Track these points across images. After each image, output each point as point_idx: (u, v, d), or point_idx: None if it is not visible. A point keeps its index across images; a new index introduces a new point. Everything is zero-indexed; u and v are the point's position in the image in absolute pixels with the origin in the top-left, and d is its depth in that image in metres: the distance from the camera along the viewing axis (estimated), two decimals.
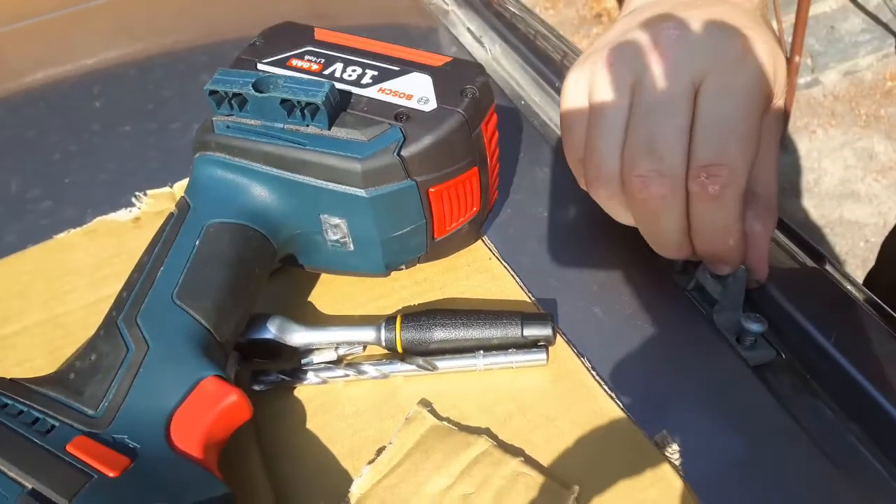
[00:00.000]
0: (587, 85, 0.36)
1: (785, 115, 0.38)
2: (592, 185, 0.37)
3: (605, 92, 0.35)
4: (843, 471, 0.34)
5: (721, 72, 0.34)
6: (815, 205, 1.89)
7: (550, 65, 0.60)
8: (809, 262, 0.42)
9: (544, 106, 0.58)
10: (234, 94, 0.35)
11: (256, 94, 0.34)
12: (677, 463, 0.33)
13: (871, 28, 2.27)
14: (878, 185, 1.94)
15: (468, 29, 0.67)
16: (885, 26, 2.27)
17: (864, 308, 0.39)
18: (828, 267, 0.42)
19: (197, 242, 0.35)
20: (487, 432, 0.35)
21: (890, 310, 0.39)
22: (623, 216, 0.38)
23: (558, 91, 0.57)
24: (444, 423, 0.35)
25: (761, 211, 0.38)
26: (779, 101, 0.37)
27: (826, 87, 2.18)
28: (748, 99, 0.34)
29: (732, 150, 0.33)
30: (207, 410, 0.31)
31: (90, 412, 0.30)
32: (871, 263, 0.75)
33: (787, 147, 2.04)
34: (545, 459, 0.34)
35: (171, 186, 0.50)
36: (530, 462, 0.34)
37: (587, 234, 0.45)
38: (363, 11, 0.68)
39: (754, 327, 0.37)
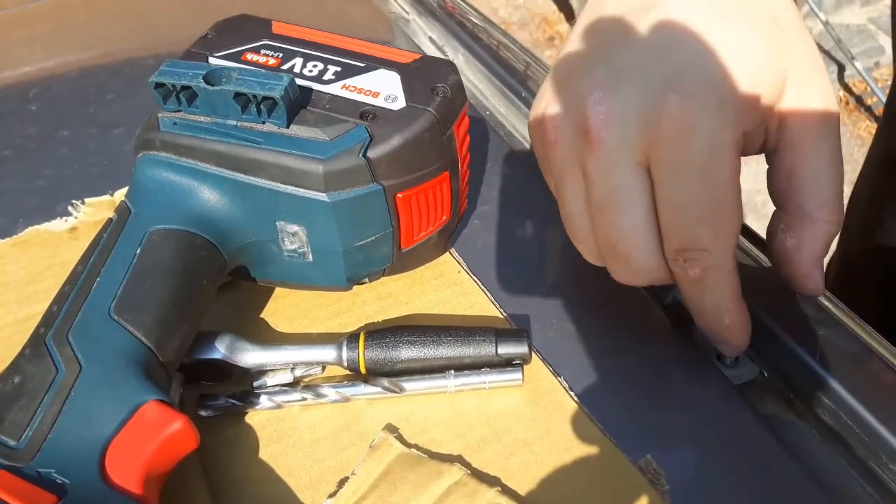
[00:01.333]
0: (540, 153, 0.34)
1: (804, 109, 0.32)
2: (577, 244, 0.35)
3: (557, 175, 0.33)
4: (830, 493, 0.33)
5: (665, 143, 0.28)
6: (764, 226, 1.92)
7: (515, 75, 0.58)
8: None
9: (509, 116, 0.56)
10: (183, 88, 0.32)
11: (207, 87, 0.32)
12: (664, 489, 0.31)
13: None
14: None
15: (430, 38, 0.65)
16: (828, 53, 2.35)
17: (846, 325, 0.39)
18: None
19: (138, 251, 0.32)
20: (460, 460, 0.32)
21: (870, 326, 0.39)
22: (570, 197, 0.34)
23: (524, 101, 0.55)
24: (413, 450, 0.33)
25: (792, 222, 0.33)
26: (781, 99, 0.31)
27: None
28: (706, 171, 0.29)
29: (702, 235, 0.30)
30: (148, 439, 0.28)
31: (11, 443, 0.27)
32: None
33: None
34: (523, 488, 0.32)
35: (111, 195, 0.46)
36: (507, 492, 0.31)
37: (559, 247, 0.43)
38: (321, 19, 0.66)
39: None
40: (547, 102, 0.33)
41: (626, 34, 0.30)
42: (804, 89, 0.31)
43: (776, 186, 0.34)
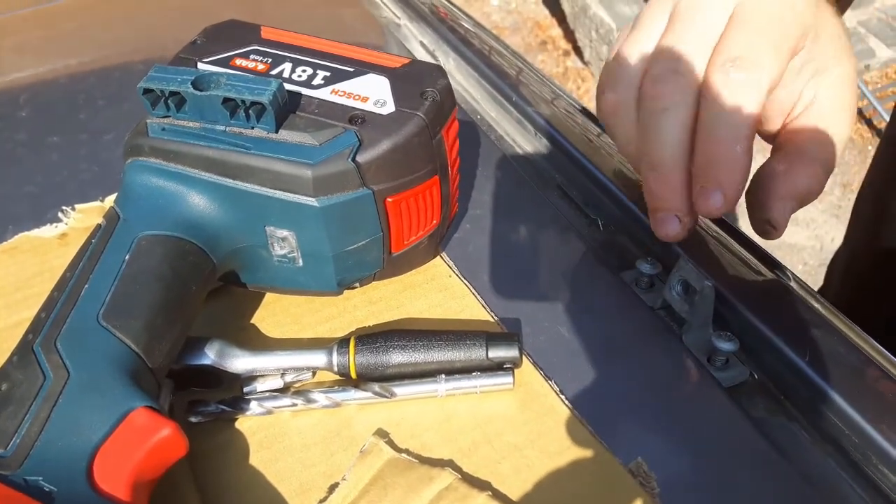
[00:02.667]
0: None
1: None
2: (604, 89, 0.36)
3: (641, 19, 0.36)
4: (820, 494, 0.33)
5: None
6: None
7: (506, 79, 0.58)
8: (778, 280, 0.41)
9: (501, 120, 0.56)
10: (172, 93, 0.32)
11: (196, 92, 0.31)
12: (655, 492, 0.31)
13: None
14: (815, 209, 2.00)
15: (421, 43, 0.65)
16: None
17: (836, 326, 0.39)
18: (793, 283, 0.41)
19: (126, 257, 0.31)
20: (451, 464, 0.32)
21: (858, 328, 0.39)
22: (623, 129, 0.37)
23: (515, 105, 0.56)
24: (404, 455, 0.32)
25: (790, 154, 0.36)
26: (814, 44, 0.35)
27: None
28: (781, 19, 0.33)
29: (764, 51, 0.32)
30: (136, 446, 0.28)
31: None
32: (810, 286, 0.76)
33: None
34: (514, 493, 0.31)
35: (101, 201, 0.46)
36: (498, 496, 0.31)
37: (550, 251, 0.43)
38: (311, 24, 0.66)
39: (725, 346, 0.36)
40: None
41: None
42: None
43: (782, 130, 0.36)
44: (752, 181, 0.36)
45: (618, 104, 0.36)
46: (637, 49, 0.36)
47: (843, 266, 0.73)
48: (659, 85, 0.34)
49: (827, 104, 0.36)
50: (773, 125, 0.38)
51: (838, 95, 0.36)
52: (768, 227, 0.37)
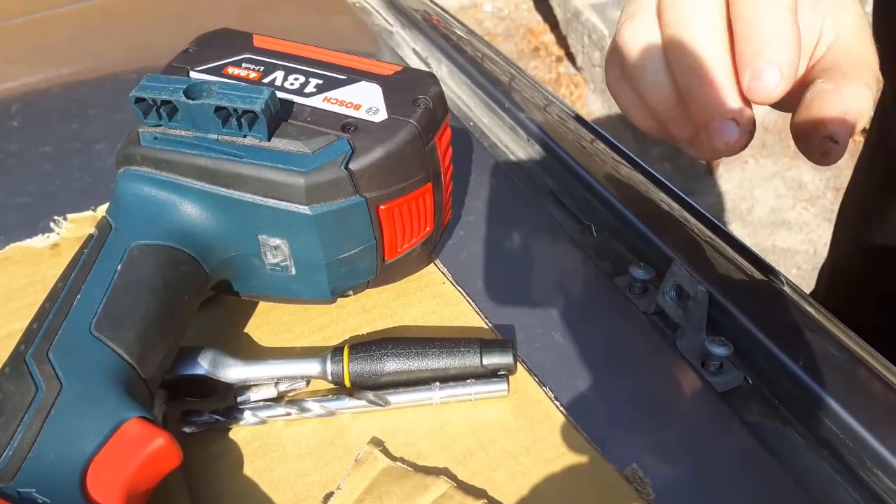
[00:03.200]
0: None
1: None
2: (625, 18, 0.34)
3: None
4: (815, 498, 0.33)
5: None
6: (749, 233, 1.94)
7: (499, 86, 0.58)
8: (772, 285, 0.41)
9: (494, 127, 0.56)
10: (164, 102, 0.32)
11: (188, 101, 0.31)
12: (651, 498, 0.31)
13: None
14: (808, 213, 2.00)
15: (414, 50, 0.65)
16: None
17: (829, 330, 0.39)
18: (786, 288, 0.41)
19: (119, 267, 0.31)
20: (446, 472, 0.32)
21: (853, 333, 0.39)
22: (650, 62, 0.33)
23: (507, 112, 0.56)
24: (398, 463, 0.32)
25: (833, 76, 0.34)
26: None
27: (756, 118, 2.26)
28: None
29: None
30: (130, 457, 0.27)
31: None
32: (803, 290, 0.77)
33: (720, 176, 2.09)
34: (509, 500, 0.31)
35: (93, 210, 0.46)
36: (494, 503, 0.31)
37: (544, 258, 0.43)
38: (304, 32, 0.66)
39: (719, 351, 0.36)
40: None
41: None
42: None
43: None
44: (801, 106, 0.34)
45: (638, 33, 0.33)
46: None
47: (828, 272, 0.73)
48: None
49: (853, 39, 0.35)
50: (798, 69, 0.35)
51: (861, 33, 0.35)
52: (830, 144, 0.33)
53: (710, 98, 0.32)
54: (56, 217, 0.45)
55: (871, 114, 0.34)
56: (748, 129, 0.32)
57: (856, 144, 2.13)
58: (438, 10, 0.72)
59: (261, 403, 0.34)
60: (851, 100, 0.33)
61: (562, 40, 2.69)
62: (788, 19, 0.30)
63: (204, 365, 0.34)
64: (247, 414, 0.34)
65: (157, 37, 0.65)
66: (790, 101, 0.35)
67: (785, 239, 1.93)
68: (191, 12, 0.71)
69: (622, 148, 0.51)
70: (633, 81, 0.34)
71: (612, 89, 0.36)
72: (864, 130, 0.68)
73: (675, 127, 0.34)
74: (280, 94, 0.34)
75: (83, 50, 0.65)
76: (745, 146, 0.33)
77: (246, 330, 0.39)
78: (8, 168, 0.50)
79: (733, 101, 0.32)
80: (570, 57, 2.64)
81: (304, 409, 0.34)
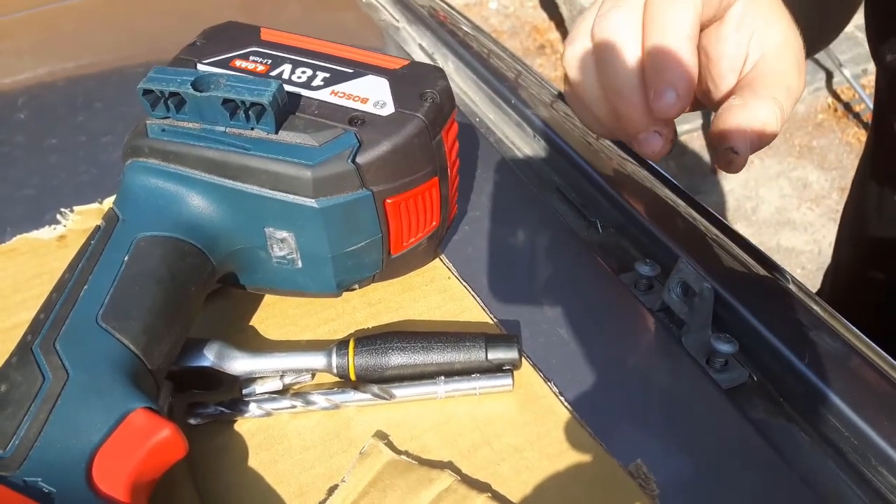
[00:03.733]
0: None
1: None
2: (565, 49, 0.39)
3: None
4: (820, 495, 0.33)
5: None
6: (754, 232, 1.94)
7: (505, 82, 0.58)
8: (777, 282, 0.41)
9: (499, 123, 0.56)
10: (171, 94, 0.32)
11: (196, 93, 0.31)
12: (654, 494, 0.31)
13: None
14: (812, 213, 2.00)
15: (420, 45, 0.65)
16: (816, 61, 2.36)
17: (835, 328, 0.39)
18: (792, 286, 0.41)
19: (126, 258, 0.31)
20: (450, 466, 0.32)
21: (858, 331, 0.39)
22: (584, 77, 0.39)
23: (513, 108, 0.56)
24: (403, 457, 0.32)
25: (745, 94, 0.37)
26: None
27: None
28: None
29: None
30: (136, 447, 0.27)
31: None
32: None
33: (724, 175, 2.09)
34: (514, 494, 0.31)
35: (100, 202, 0.46)
36: (498, 498, 0.31)
37: (549, 253, 0.43)
38: (311, 27, 0.66)
39: (725, 348, 0.36)
40: None
41: None
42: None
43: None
44: (713, 121, 0.38)
45: (576, 57, 0.38)
46: (592, 10, 0.38)
47: (832, 270, 0.73)
48: (605, 18, 0.36)
49: (773, 56, 0.38)
50: (727, 83, 0.40)
51: (785, 50, 0.38)
52: (731, 155, 0.37)
53: (631, 114, 0.37)
54: (62, 209, 0.46)
55: (779, 127, 0.38)
56: (669, 139, 0.38)
57: (860, 144, 2.12)
58: (445, 6, 0.72)
59: (266, 396, 0.34)
60: (755, 115, 0.37)
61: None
62: (684, 47, 0.35)
63: (210, 357, 0.34)
64: (252, 406, 0.34)
65: (163, 30, 0.65)
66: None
67: (790, 238, 1.93)
68: (197, 7, 0.71)
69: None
70: (577, 96, 0.40)
71: (567, 100, 0.42)
72: (866, 126, 0.69)
73: (617, 134, 0.40)
74: (287, 88, 0.34)
75: (89, 43, 0.65)
76: (669, 152, 0.38)
77: (252, 323, 0.39)
78: (14, 160, 0.51)
79: (650, 116, 0.37)
80: None
81: (309, 402, 0.34)
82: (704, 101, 0.42)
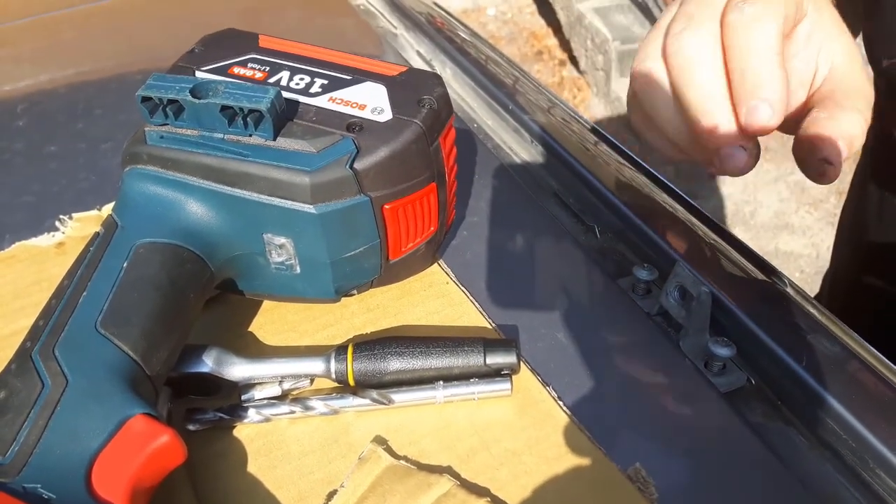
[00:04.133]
0: None
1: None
2: (633, 70, 0.38)
3: (664, 11, 0.39)
4: (818, 499, 0.33)
5: None
6: (753, 236, 1.94)
7: (503, 88, 0.58)
8: (775, 286, 0.41)
9: (497, 129, 0.56)
10: (170, 101, 0.32)
11: (194, 100, 0.31)
12: (654, 498, 0.31)
13: None
14: (811, 217, 2.00)
15: (418, 52, 0.65)
16: None
17: (832, 332, 0.39)
18: (789, 289, 0.41)
19: (124, 264, 0.31)
20: (449, 471, 0.32)
21: (856, 334, 0.39)
22: (658, 95, 0.38)
23: (511, 114, 0.56)
24: (402, 462, 0.32)
25: (828, 106, 0.37)
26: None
27: None
28: None
29: None
30: (135, 453, 0.27)
31: None
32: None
33: (723, 180, 2.09)
34: (513, 499, 0.31)
35: (99, 209, 0.46)
36: (497, 502, 0.31)
37: (547, 258, 0.43)
38: (309, 34, 0.66)
39: (722, 352, 0.36)
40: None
41: None
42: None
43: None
44: (799, 133, 0.38)
45: (648, 75, 0.37)
46: (657, 31, 0.38)
47: (830, 273, 0.73)
48: (679, 38, 0.35)
49: (846, 68, 0.39)
50: (797, 98, 0.40)
51: (853, 62, 0.39)
52: (825, 165, 0.37)
53: (716, 131, 0.36)
54: (61, 216, 0.46)
55: (864, 136, 0.38)
56: (754, 154, 0.37)
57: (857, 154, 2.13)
58: (442, 12, 0.73)
59: (265, 401, 0.34)
60: (843, 126, 0.37)
61: (565, 44, 2.69)
62: (774, 64, 0.34)
63: (208, 363, 0.34)
64: (251, 412, 0.34)
65: (162, 38, 0.66)
66: (794, 127, 0.39)
67: (788, 242, 1.93)
68: (195, 14, 0.72)
69: (626, 150, 0.51)
70: (647, 117, 0.39)
71: (637, 128, 0.41)
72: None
73: (694, 154, 0.39)
74: (285, 94, 0.34)
75: (88, 51, 0.65)
76: (754, 167, 0.37)
77: (250, 329, 0.39)
78: (14, 167, 0.51)
79: (737, 131, 0.36)
80: (574, 61, 2.64)
81: (307, 408, 0.34)
82: None
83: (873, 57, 0.57)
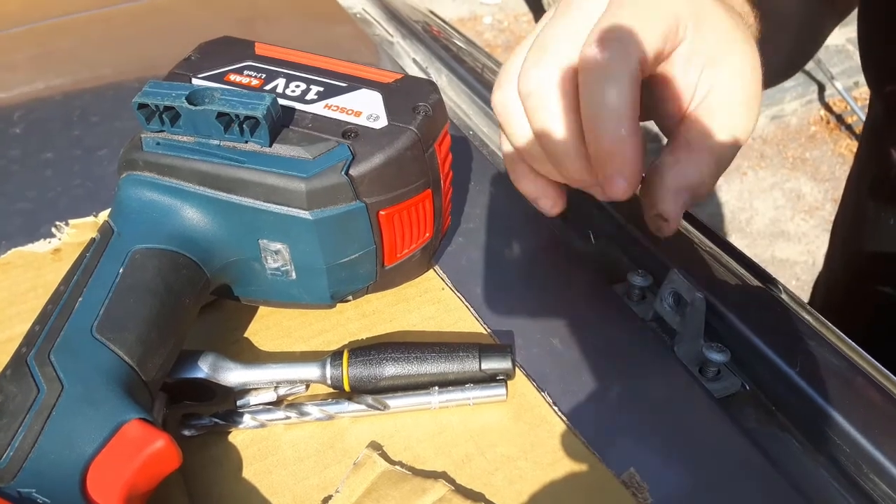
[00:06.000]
0: None
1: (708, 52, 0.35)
2: (494, 90, 0.37)
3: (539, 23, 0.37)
4: None
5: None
6: (749, 244, 1.95)
7: None
8: (769, 292, 0.41)
9: (493, 136, 0.57)
10: (166, 108, 0.32)
11: (190, 107, 0.32)
12: (648, 503, 0.31)
13: (796, 75, 2.38)
14: (806, 224, 2.01)
15: (414, 60, 0.65)
16: (808, 74, 2.38)
17: (827, 338, 0.39)
18: (784, 296, 0.42)
19: (121, 270, 0.31)
20: (444, 476, 0.32)
21: (850, 340, 0.39)
22: (514, 127, 0.36)
23: None
24: (397, 467, 0.32)
25: (679, 146, 0.36)
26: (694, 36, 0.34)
27: (756, 130, 2.27)
28: (648, 5, 0.33)
29: (627, 24, 0.32)
30: (130, 458, 0.27)
31: None
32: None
33: (720, 187, 2.10)
34: None
35: (95, 216, 0.46)
36: None
37: (542, 264, 0.44)
38: (305, 42, 0.67)
39: (717, 357, 0.37)
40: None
41: None
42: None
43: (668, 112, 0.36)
44: (644, 177, 0.36)
45: (504, 103, 0.36)
46: (521, 49, 0.36)
47: (824, 281, 0.74)
48: (530, 76, 0.33)
49: (720, 96, 0.36)
50: (674, 121, 0.37)
51: (734, 87, 0.36)
52: (660, 222, 0.36)
53: (578, 175, 0.35)
54: (58, 222, 0.46)
55: (713, 182, 0.36)
56: (634, 183, 0.34)
57: (852, 155, 2.14)
58: (439, 21, 0.73)
59: (260, 407, 0.34)
60: (688, 174, 0.35)
61: None
62: (626, 130, 0.32)
63: (204, 368, 0.34)
64: (246, 417, 0.34)
65: (158, 47, 0.66)
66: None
67: (784, 249, 1.94)
68: (192, 23, 0.72)
69: None
70: (502, 129, 0.38)
71: (506, 158, 0.40)
72: (859, 138, 0.69)
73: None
74: (281, 101, 0.34)
75: (85, 59, 0.65)
76: (634, 193, 0.35)
77: (246, 334, 0.39)
78: (10, 174, 0.51)
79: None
80: None
81: (303, 413, 0.34)
82: (660, 129, 0.39)
83: (875, 78, 0.57)
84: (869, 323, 0.60)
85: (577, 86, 0.33)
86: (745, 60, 0.36)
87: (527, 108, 0.35)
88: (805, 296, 0.57)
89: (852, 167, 0.68)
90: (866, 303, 0.64)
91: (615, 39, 0.32)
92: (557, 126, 0.34)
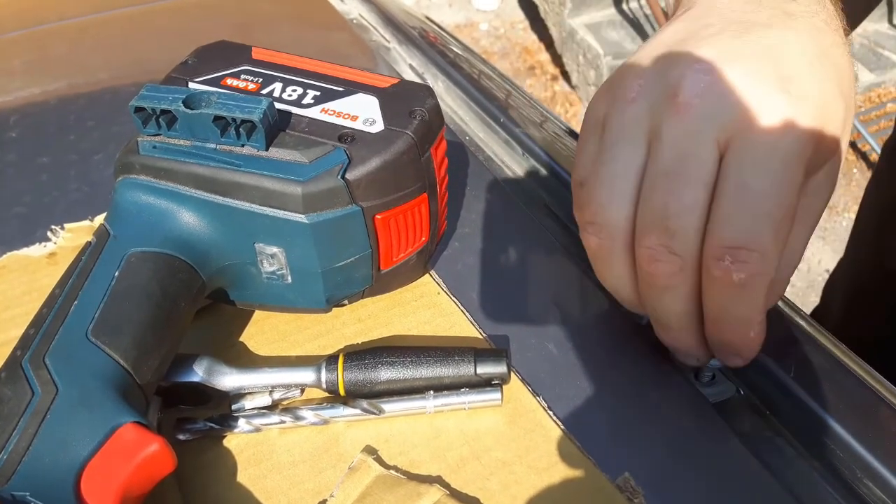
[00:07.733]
0: (605, 110, 0.32)
1: (831, 179, 0.32)
2: (585, 230, 0.33)
3: (618, 132, 0.31)
4: None
5: (756, 134, 0.28)
6: None
7: (495, 101, 0.59)
8: None
9: (489, 141, 0.57)
10: (163, 112, 0.32)
11: (187, 110, 0.32)
12: None
13: None
14: None
15: (410, 66, 0.66)
16: None
17: (820, 343, 0.39)
18: (778, 301, 0.42)
19: (116, 273, 0.31)
20: (439, 480, 0.32)
21: (843, 345, 0.39)
22: (612, 273, 0.33)
23: (503, 127, 0.56)
24: (392, 471, 0.32)
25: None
26: (828, 162, 0.31)
27: None
28: (787, 171, 0.28)
29: (765, 235, 0.28)
30: (124, 462, 0.27)
31: None
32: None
33: None
34: None
35: (91, 220, 0.46)
36: None
37: (538, 269, 0.44)
38: (302, 48, 0.67)
39: (712, 362, 0.36)
40: (639, 60, 0.32)
41: (743, 30, 0.31)
42: None
43: None
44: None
45: (605, 250, 0.32)
46: (610, 183, 0.31)
47: (847, 286, 0.73)
48: (655, 264, 0.30)
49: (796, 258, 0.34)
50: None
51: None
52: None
53: (676, 345, 0.35)
54: (53, 226, 0.46)
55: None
56: (704, 363, 0.36)
57: (851, 169, 2.14)
58: (435, 27, 0.73)
59: (255, 411, 0.34)
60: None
61: (557, 59, 2.71)
62: (755, 332, 0.31)
63: (199, 372, 0.34)
64: (241, 422, 0.34)
65: (154, 51, 0.66)
66: None
67: None
68: (188, 28, 0.72)
69: None
70: (596, 269, 0.35)
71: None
72: (858, 155, 0.69)
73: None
74: (278, 105, 0.34)
75: (81, 63, 0.65)
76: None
77: (241, 338, 0.39)
78: (6, 178, 0.51)
79: (698, 351, 0.35)
80: (566, 75, 2.66)
81: (298, 418, 0.34)
82: None
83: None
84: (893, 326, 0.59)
85: (700, 279, 0.31)
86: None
87: (642, 284, 0.32)
88: (801, 302, 0.56)
89: (871, 178, 0.67)
90: (892, 308, 0.63)
91: (749, 256, 0.28)
92: (675, 310, 0.32)
